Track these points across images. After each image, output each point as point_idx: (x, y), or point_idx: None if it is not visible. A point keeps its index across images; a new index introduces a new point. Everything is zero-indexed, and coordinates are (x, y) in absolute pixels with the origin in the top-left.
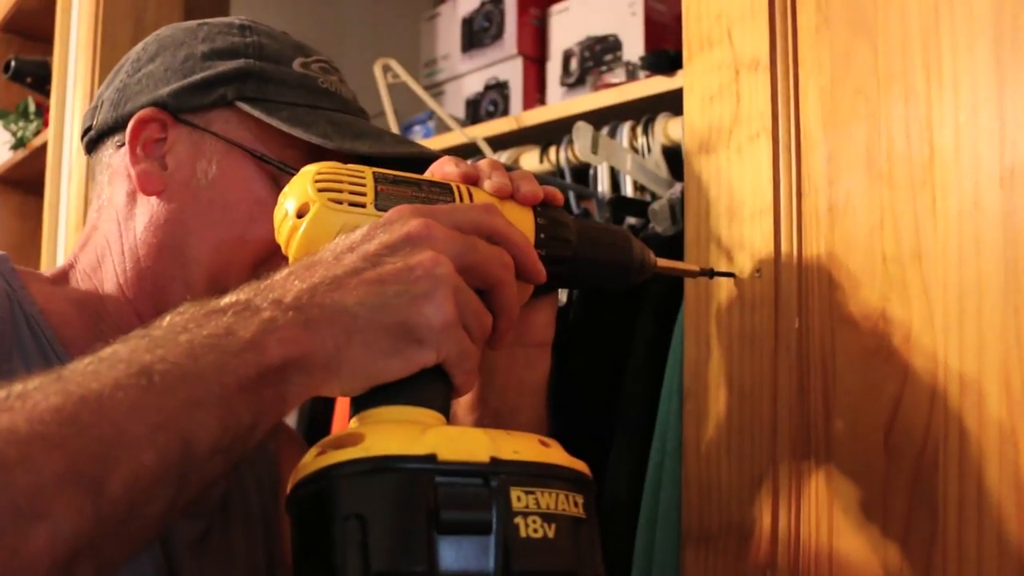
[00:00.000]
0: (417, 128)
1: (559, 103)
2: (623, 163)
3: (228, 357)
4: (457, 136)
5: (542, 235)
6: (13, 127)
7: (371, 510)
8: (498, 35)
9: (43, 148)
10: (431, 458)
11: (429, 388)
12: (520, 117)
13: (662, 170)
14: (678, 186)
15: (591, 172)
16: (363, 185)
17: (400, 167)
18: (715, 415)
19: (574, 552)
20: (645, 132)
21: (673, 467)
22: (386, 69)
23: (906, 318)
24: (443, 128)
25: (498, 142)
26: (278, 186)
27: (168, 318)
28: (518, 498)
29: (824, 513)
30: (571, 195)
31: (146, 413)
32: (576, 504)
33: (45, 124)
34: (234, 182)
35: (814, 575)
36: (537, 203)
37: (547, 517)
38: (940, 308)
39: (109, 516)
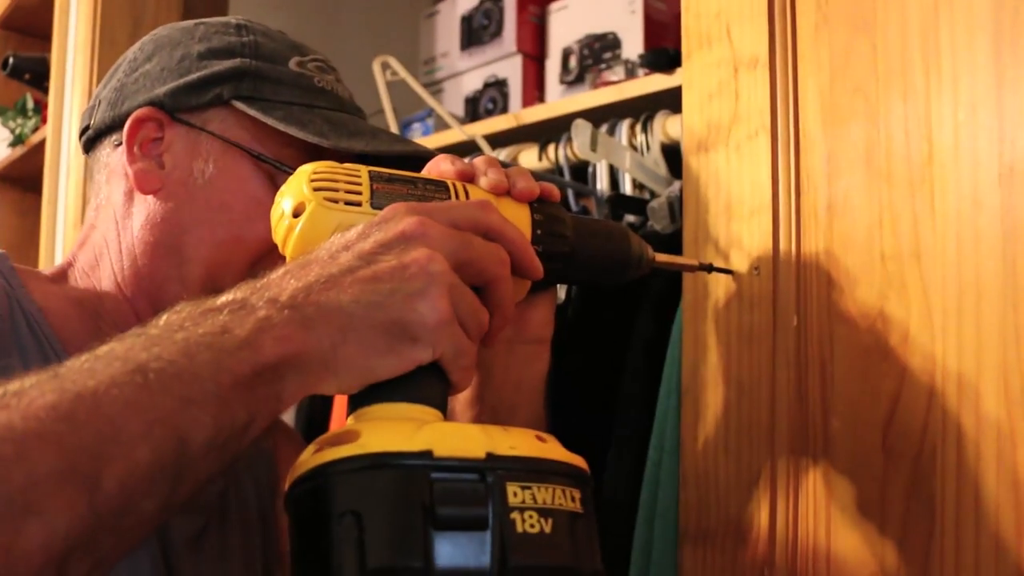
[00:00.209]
0: (416, 126)
1: (558, 101)
2: (622, 161)
3: (223, 355)
4: (456, 134)
5: (539, 231)
6: (11, 124)
7: (367, 507)
8: (497, 33)
9: (41, 145)
10: (427, 454)
11: (426, 385)
12: (519, 115)
13: (661, 168)
14: (677, 184)
15: (590, 170)
16: (359, 184)
17: (397, 166)
18: (713, 413)
19: (571, 547)
20: (644, 130)
21: (671, 465)
22: (385, 67)
23: (904, 316)
24: (442, 126)
25: (497, 140)
26: (275, 185)
27: (165, 317)
28: (514, 493)
29: (822, 511)
30: (570, 193)
31: (141, 410)
32: (573, 499)
33: (43, 121)
34: (231, 181)
35: (811, 573)
36: (533, 199)
37: (544, 512)
38: (938, 306)
39: (104, 512)
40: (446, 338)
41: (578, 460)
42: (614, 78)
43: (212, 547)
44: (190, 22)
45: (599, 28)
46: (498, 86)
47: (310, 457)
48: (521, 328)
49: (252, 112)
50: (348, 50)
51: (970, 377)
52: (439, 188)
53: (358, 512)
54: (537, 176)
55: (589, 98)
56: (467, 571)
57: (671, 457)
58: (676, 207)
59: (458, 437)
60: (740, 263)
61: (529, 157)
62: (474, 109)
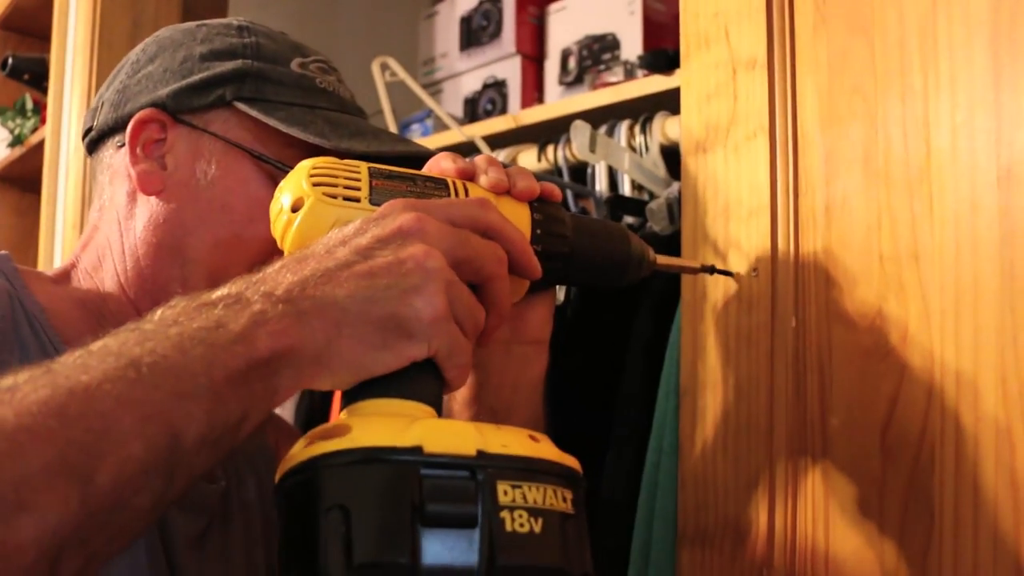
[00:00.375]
0: (415, 127)
1: (557, 102)
2: (621, 162)
3: (217, 350)
4: (455, 135)
5: (538, 231)
6: (10, 124)
7: (355, 501)
8: (496, 34)
9: (40, 145)
10: (417, 450)
11: (420, 382)
12: (518, 116)
13: (660, 169)
14: (676, 185)
15: (589, 171)
16: (358, 180)
17: (398, 165)
18: (712, 414)
19: (561, 547)
20: (643, 131)
21: (670, 466)
22: (384, 67)
23: (903, 317)
24: (441, 127)
25: (496, 141)
26: (277, 186)
27: (159, 312)
28: (504, 492)
29: (820, 512)
30: (569, 194)
31: (134, 405)
32: (565, 499)
33: (42, 121)
34: (233, 182)
35: (810, 574)
36: (534, 199)
37: (534, 512)
38: (937, 307)
39: (96, 508)
40: (441, 335)
41: (571, 460)
42: (613, 79)
43: (215, 546)
44: (192, 23)
45: (598, 29)
46: (497, 87)
47: (301, 450)
48: (519, 329)
49: (254, 113)
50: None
51: (968, 378)
52: (439, 186)
53: (346, 506)
54: (537, 177)
55: (588, 99)
56: (454, 569)
57: (670, 458)
58: (675, 208)
59: (449, 434)
60: (738, 264)
61: (528, 158)
62: (473, 110)
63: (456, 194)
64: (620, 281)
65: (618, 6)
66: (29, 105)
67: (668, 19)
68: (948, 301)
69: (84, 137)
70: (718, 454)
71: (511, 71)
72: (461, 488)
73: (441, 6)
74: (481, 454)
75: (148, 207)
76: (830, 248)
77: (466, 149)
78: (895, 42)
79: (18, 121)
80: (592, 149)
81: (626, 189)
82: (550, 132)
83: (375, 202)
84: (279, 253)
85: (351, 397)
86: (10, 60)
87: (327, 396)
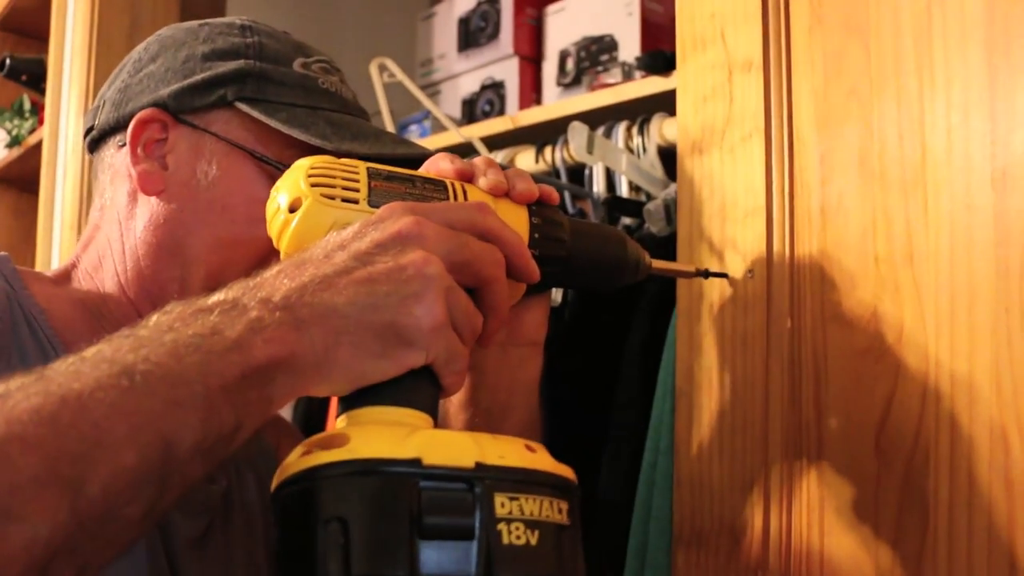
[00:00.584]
0: (413, 128)
1: (555, 103)
2: (618, 163)
3: (212, 357)
4: (453, 136)
5: (536, 234)
6: (8, 125)
7: (353, 513)
8: (494, 35)
9: (38, 146)
10: (416, 462)
11: (417, 389)
12: (516, 117)
13: (657, 170)
14: (673, 187)
15: (586, 172)
16: (356, 181)
17: (398, 165)
18: (707, 416)
19: (556, 560)
20: (641, 132)
21: (666, 467)
22: (382, 68)
23: (898, 318)
24: (439, 128)
25: (494, 142)
26: None
27: (155, 317)
28: (502, 504)
29: (816, 513)
30: (567, 195)
31: (127, 414)
32: (560, 511)
33: (40, 122)
34: (234, 183)
35: (805, 575)
36: (532, 202)
37: (530, 524)
38: (932, 309)
39: (88, 517)
40: (440, 343)
41: (566, 471)
42: (611, 80)
43: (216, 548)
44: (195, 23)
45: (596, 30)
46: (495, 88)
47: (298, 459)
48: (515, 331)
49: (255, 114)
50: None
51: (963, 379)
52: (437, 187)
53: (344, 518)
54: (535, 179)
55: (586, 100)
56: None
57: (666, 459)
58: (672, 210)
59: (447, 445)
60: (734, 266)
61: (526, 159)
62: (471, 111)
63: (455, 196)
64: (615, 285)
65: (616, 7)
66: (27, 106)
67: (666, 20)
68: (943, 302)
69: (85, 136)
70: (714, 455)
71: (509, 72)
72: (459, 500)
73: (439, 7)
74: (479, 466)
75: (149, 207)
76: (826, 249)
77: (464, 150)
78: (890, 44)
79: (16, 122)
80: (590, 150)
81: (623, 190)
82: (548, 133)
83: (374, 204)
84: (278, 254)
85: (348, 404)
86: (8, 61)
87: (325, 400)
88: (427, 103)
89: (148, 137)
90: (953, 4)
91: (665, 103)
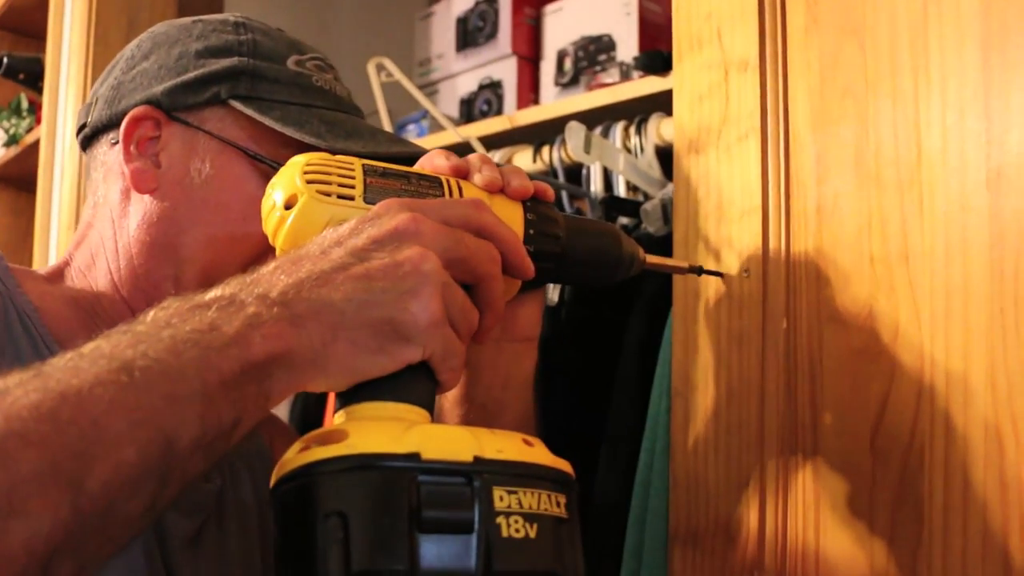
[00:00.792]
0: (411, 127)
1: (553, 103)
2: (616, 163)
3: (210, 353)
4: (451, 135)
5: (531, 231)
6: (6, 124)
7: (353, 508)
8: (492, 34)
9: (36, 145)
10: (414, 456)
11: (414, 384)
12: (514, 117)
13: (655, 170)
14: (670, 186)
15: (584, 172)
16: (352, 178)
17: (393, 162)
18: (703, 415)
19: (555, 553)
20: (638, 132)
21: (662, 466)
22: (380, 68)
23: (893, 318)
24: (437, 127)
25: (492, 141)
26: None
27: (152, 313)
28: (500, 498)
29: (811, 512)
30: (564, 195)
31: (126, 409)
32: (558, 504)
33: (38, 121)
34: (227, 181)
35: (801, 574)
36: (527, 198)
37: (529, 517)
38: (927, 308)
39: (88, 513)
40: (437, 338)
41: (564, 464)
42: (609, 80)
43: (210, 546)
44: (188, 19)
45: (594, 30)
46: (493, 88)
47: (296, 455)
48: (510, 326)
49: (249, 112)
50: (343, 51)
51: (958, 378)
52: (433, 184)
53: (344, 513)
54: (530, 177)
55: (584, 100)
56: (452, 575)
57: (662, 458)
58: (669, 209)
59: (446, 440)
60: (730, 265)
61: (523, 159)
62: (469, 111)
63: (450, 192)
64: (610, 280)
65: (614, 7)
66: (24, 105)
67: (664, 20)
68: (938, 302)
69: (78, 133)
70: (709, 455)
71: (507, 72)
72: (458, 494)
73: (437, 7)
74: (477, 460)
75: (142, 205)
76: (821, 249)
77: (462, 150)
78: (886, 44)
79: (13, 121)
80: (587, 150)
81: (621, 190)
82: (546, 133)
83: (370, 201)
84: (273, 252)
85: (345, 399)
86: (5, 60)
87: (322, 396)
88: (425, 103)
89: (141, 135)
90: (949, 4)
91: (663, 103)
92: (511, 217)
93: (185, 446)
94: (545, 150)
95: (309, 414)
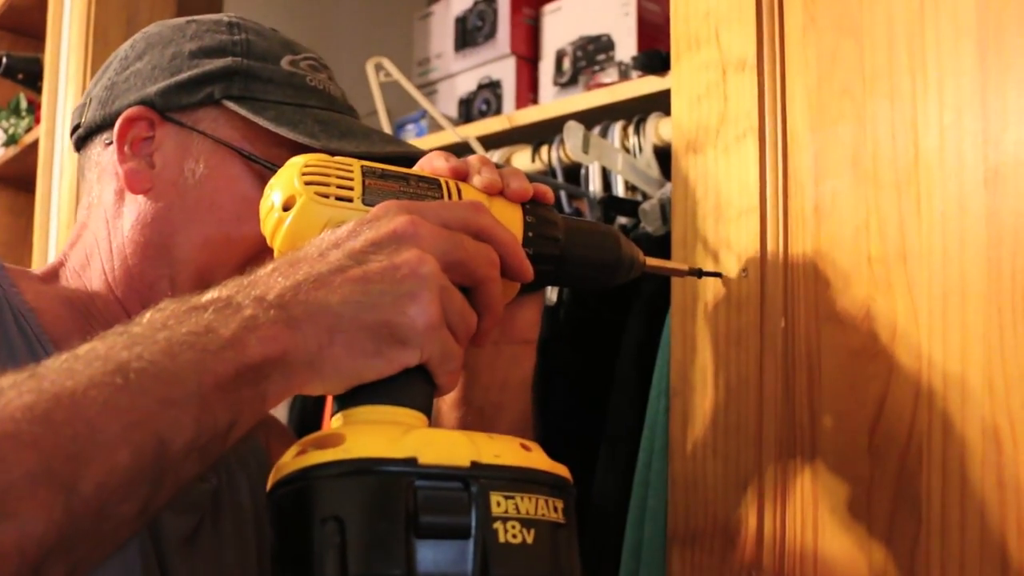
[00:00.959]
0: (410, 127)
1: (552, 102)
2: (614, 163)
3: (206, 355)
4: (449, 135)
5: (530, 233)
6: (4, 124)
7: (349, 513)
8: (491, 34)
9: (35, 145)
10: (411, 461)
11: (412, 388)
12: (512, 116)
13: (653, 170)
14: (669, 186)
15: (583, 172)
16: (351, 179)
17: (390, 163)
18: (701, 415)
19: (552, 558)
20: (637, 132)
21: (661, 466)
22: (379, 68)
23: (891, 318)
24: (436, 127)
25: (490, 141)
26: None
27: (148, 314)
28: (498, 503)
29: (809, 512)
30: (563, 195)
31: (120, 412)
32: (556, 509)
33: (37, 121)
34: (221, 181)
35: (799, 574)
36: (526, 200)
37: (526, 523)
38: (925, 308)
39: (81, 515)
40: (434, 342)
41: (561, 469)
42: (607, 80)
43: (206, 546)
44: (182, 19)
45: (593, 30)
46: (492, 87)
47: (293, 459)
48: (508, 329)
49: (243, 112)
50: (342, 51)
51: (956, 378)
52: (432, 186)
53: (341, 518)
54: (530, 177)
55: (582, 100)
56: None
57: (661, 458)
58: (668, 209)
59: (443, 444)
60: (728, 265)
61: (522, 159)
62: (468, 110)
63: (449, 194)
64: (609, 283)
65: (613, 7)
66: (23, 105)
67: (662, 20)
68: (936, 301)
69: (72, 134)
70: (708, 455)
71: (506, 72)
72: (455, 499)
73: (436, 6)
74: (475, 465)
75: (136, 206)
76: (819, 248)
77: (460, 150)
78: (884, 44)
79: (12, 121)
80: (585, 150)
81: (619, 190)
82: (544, 133)
83: (368, 202)
84: (268, 252)
85: (343, 403)
86: (4, 59)
87: (321, 399)
88: (424, 102)
89: (135, 135)
90: (946, 4)
91: (661, 103)
92: (510, 219)
93: (179, 449)
94: (544, 150)
95: (307, 416)
